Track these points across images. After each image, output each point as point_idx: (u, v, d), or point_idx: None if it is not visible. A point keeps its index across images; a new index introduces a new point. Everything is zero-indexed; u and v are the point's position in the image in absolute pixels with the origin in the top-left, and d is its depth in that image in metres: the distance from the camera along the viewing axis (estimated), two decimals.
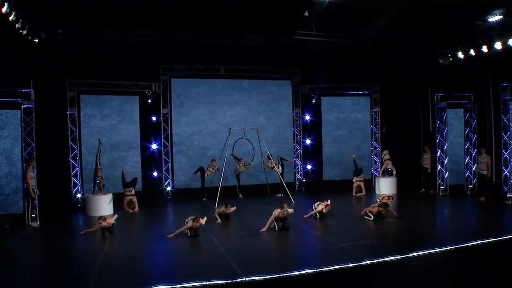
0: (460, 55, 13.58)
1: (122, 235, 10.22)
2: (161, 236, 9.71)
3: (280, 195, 14.83)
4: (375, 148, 17.28)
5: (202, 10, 12.42)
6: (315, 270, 6.99)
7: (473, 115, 15.01)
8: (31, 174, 11.58)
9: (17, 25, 11.20)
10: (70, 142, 14.23)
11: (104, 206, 12.92)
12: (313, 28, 13.71)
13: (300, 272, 6.94)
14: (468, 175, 15.01)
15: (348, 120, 17.37)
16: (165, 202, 14.95)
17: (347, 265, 7.24)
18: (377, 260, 7.44)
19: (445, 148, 15.19)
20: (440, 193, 14.83)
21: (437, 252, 7.90)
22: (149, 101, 15.45)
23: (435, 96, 15.34)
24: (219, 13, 12.59)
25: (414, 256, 7.69)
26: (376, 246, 8.54)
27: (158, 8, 12.15)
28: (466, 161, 15.02)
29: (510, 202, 12.60)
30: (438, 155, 15.24)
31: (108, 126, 14.90)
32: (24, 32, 11.69)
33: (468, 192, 14.79)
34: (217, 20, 12.99)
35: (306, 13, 12.69)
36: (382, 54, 15.65)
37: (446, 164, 15.11)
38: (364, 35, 14.07)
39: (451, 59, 13.96)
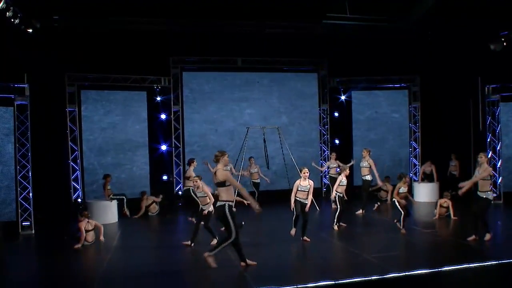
0: None
1: (126, 244, 9.98)
2: (169, 245, 9.69)
3: None
4: (415, 149, 16.05)
5: None
6: (333, 282, 6.75)
7: None
8: None
9: (7, 13, 10.75)
10: (70, 143, 13.73)
11: (108, 212, 12.35)
12: (347, 10, 12.77)
13: (317, 284, 6.72)
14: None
15: (383, 120, 16.27)
16: (176, 209, 14.17)
17: (368, 278, 6.92)
18: (403, 274, 7.06)
19: (497, 148, 13.86)
20: (492, 201, 13.48)
21: (475, 268, 7.33)
22: (158, 97, 14.79)
23: (486, 88, 14.04)
24: None
25: (446, 271, 7.19)
26: (405, 259, 8.22)
27: None
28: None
29: None
30: (489, 156, 13.89)
31: (112, 124, 14.35)
32: (17, 21, 11.25)
33: None
34: (234, 5, 12.30)
35: None
36: (424, 40, 14.50)
37: (499, 167, 13.76)
38: (406, 17, 13.02)
39: (505, 44, 12.62)
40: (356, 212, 12.30)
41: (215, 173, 7.35)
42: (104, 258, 8.68)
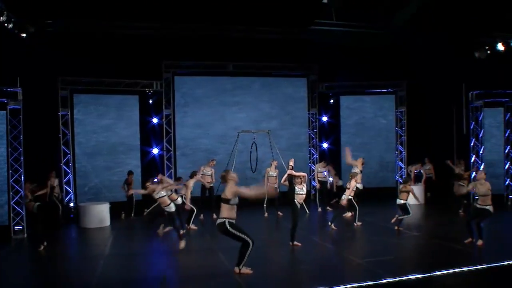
0: (500, 47, 12.52)
1: (118, 249, 9.81)
2: (161, 251, 9.55)
3: None
4: (401, 152, 16.29)
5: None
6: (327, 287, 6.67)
7: None
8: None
9: (1, 18, 10.66)
10: (62, 146, 13.64)
11: (100, 215, 12.23)
12: (333, 17, 12.88)
13: None
14: (508, 183, 13.90)
15: (370, 126, 16.50)
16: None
17: (364, 284, 6.85)
18: (397, 279, 7.06)
19: (480, 152, 14.14)
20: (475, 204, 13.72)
21: (465, 272, 7.36)
22: (150, 101, 14.77)
23: (470, 94, 14.32)
24: (227, 2, 11.87)
25: (439, 275, 7.20)
26: (397, 263, 8.13)
27: None
28: (506, 168, 13.92)
29: None
30: (472, 160, 14.18)
31: (105, 127, 14.33)
32: (10, 25, 11.13)
33: (509, 203, 13.69)
34: (225, 11, 12.24)
35: (325, 0, 11.91)
36: (410, 46, 14.69)
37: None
38: (391, 24, 13.16)
39: (489, 52, 12.90)
40: (344, 215, 12.43)
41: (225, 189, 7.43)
42: (97, 263, 8.47)
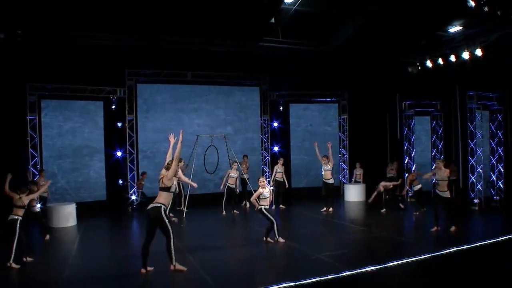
0: (429, 64, 14.15)
1: (82, 250, 9.74)
2: (126, 250, 9.50)
3: (244, 203, 15.12)
4: (343, 155, 17.79)
5: (170, 14, 12.47)
6: (294, 284, 6.88)
7: (440, 123, 15.74)
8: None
9: None
10: (30, 149, 13.92)
11: (67, 216, 12.54)
12: (279, 35, 13.99)
13: (279, 286, 6.82)
14: (435, 182, 15.60)
15: (317, 131, 17.77)
16: (131, 213, 14.47)
17: (327, 277, 7.20)
18: (356, 271, 7.46)
19: (412, 155, 15.83)
20: (409, 200, 15.21)
21: (413, 261, 7.99)
22: (114, 106, 15.30)
23: (403, 104, 16.00)
24: (186, 18, 12.64)
25: (391, 266, 7.75)
26: (352, 256, 8.59)
27: (124, 10, 12.11)
28: (433, 168, 15.63)
29: (477, 208, 13.32)
30: (406, 162, 15.85)
31: (71, 130, 14.75)
32: None
33: None
34: (185, 25, 13.05)
35: (273, 20, 12.93)
36: (350, 61, 16.07)
37: (413, 170, 15.70)
38: (331, 42, 14.42)
39: (419, 68, 14.54)
40: (322, 210, 13.69)
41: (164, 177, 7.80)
42: (65, 262, 8.51)
